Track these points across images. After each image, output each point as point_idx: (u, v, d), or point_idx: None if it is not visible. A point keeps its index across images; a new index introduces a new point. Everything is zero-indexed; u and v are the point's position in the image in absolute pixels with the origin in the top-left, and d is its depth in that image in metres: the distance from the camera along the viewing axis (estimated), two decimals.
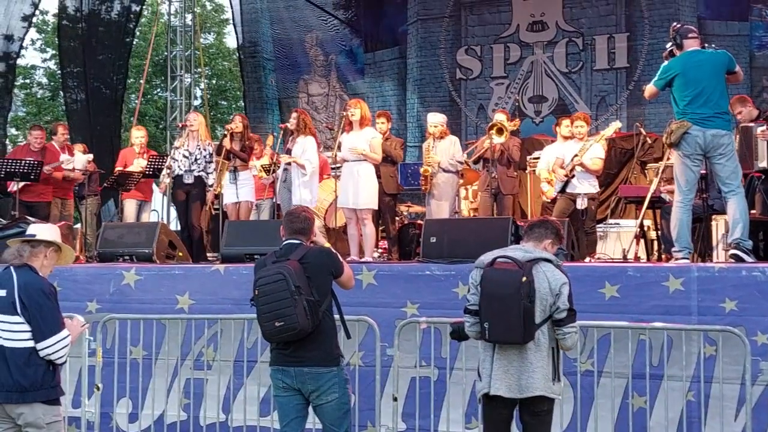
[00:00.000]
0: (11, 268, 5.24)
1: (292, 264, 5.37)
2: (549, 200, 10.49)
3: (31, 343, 5.11)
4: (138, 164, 11.59)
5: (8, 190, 10.89)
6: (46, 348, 5.11)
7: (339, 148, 9.81)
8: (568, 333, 5.11)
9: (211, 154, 10.23)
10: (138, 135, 11.97)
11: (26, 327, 5.11)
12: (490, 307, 5.07)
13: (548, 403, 5.19)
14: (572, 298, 5.13)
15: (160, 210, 15.53)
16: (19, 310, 5.11)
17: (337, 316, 5.63)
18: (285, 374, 5.48)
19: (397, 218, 11.22)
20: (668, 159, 8.96)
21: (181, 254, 9.71)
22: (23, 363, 5.09)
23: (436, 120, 10.60)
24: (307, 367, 5.42)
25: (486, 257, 5.27)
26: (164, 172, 10.87)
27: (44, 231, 5.42)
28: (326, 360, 5.46)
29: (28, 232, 5.38)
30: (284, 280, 5.28)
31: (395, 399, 7.00)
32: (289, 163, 9.68)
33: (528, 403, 5.15)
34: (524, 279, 4.99)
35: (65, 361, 5.31)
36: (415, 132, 16.52)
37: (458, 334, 5.51)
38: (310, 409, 5.60)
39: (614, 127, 10.11)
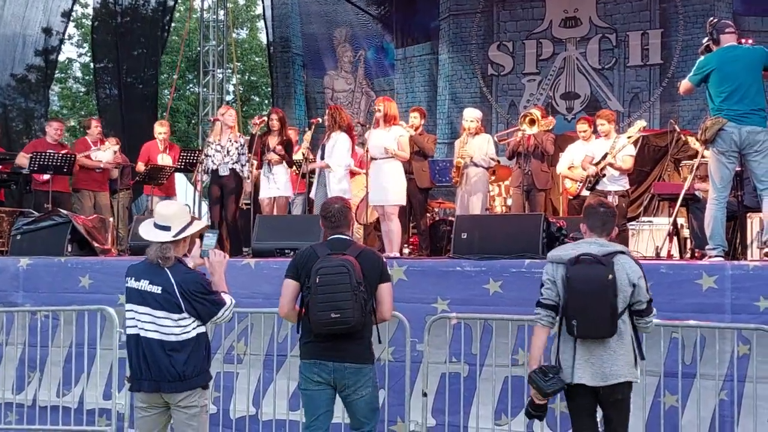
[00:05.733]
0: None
1: (351, 259, 5.39)
2: (572, 197, 10.44)
3: (194, 333, 5.24)
4: (163, 160, 11.63)
5: (40, 181, 11.01)
6: (219, 317, 5.33)
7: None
8: (649, 322, 5.30)
9: (242, 146, 10.22)
10: (161, 130, 12.00)
11: (190, 320, 5.22)
12: (579, 304, 5.14)
13: (629, 388, 5.30)
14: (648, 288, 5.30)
15: (191, 205, 15.59)
16: (184, 309, 5.20)
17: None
18: (322, 368, 5.47)
19: (428, 214, 11.18)
20: (703, 156, 8.87)
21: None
22: (186, 353, 5.21)
23: (473, 115, 10.55)
24: (348, 362, 5.44)
25: (563, 252, 5.31)
26: (198, 168, 10.81)
27: (178, 222, 5.33)
28: (365, 357, 5.52)
29: (159, 223, 5.29)
30: (347, 274, 5.30)
31: (425, 395, 7.01)
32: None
33: (609, 391, 5.21)
34: (610, 276, 5.09)
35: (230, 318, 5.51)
36: (444, 129, 16.40)
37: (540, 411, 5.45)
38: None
39: (639, 125, 9.98)
